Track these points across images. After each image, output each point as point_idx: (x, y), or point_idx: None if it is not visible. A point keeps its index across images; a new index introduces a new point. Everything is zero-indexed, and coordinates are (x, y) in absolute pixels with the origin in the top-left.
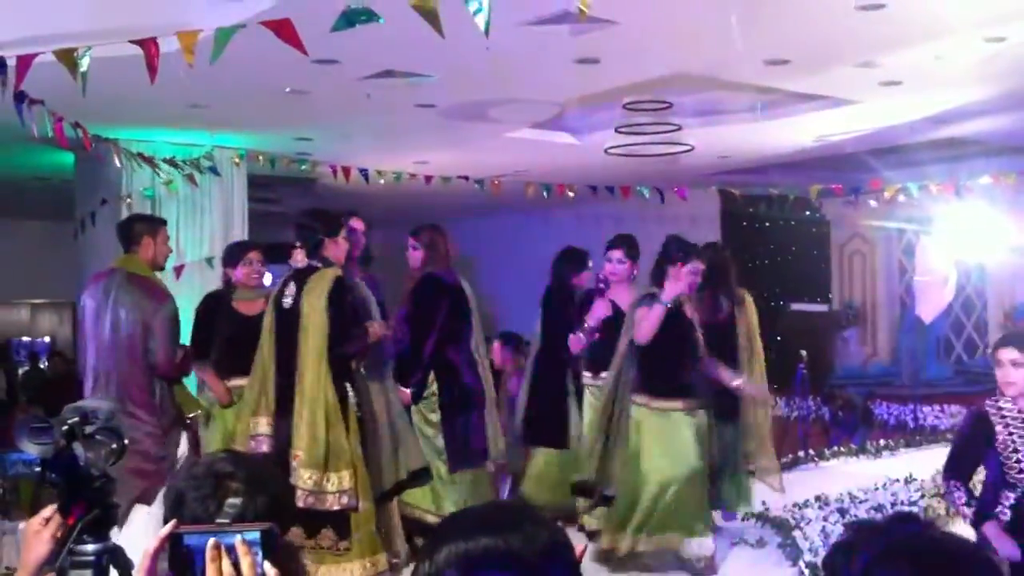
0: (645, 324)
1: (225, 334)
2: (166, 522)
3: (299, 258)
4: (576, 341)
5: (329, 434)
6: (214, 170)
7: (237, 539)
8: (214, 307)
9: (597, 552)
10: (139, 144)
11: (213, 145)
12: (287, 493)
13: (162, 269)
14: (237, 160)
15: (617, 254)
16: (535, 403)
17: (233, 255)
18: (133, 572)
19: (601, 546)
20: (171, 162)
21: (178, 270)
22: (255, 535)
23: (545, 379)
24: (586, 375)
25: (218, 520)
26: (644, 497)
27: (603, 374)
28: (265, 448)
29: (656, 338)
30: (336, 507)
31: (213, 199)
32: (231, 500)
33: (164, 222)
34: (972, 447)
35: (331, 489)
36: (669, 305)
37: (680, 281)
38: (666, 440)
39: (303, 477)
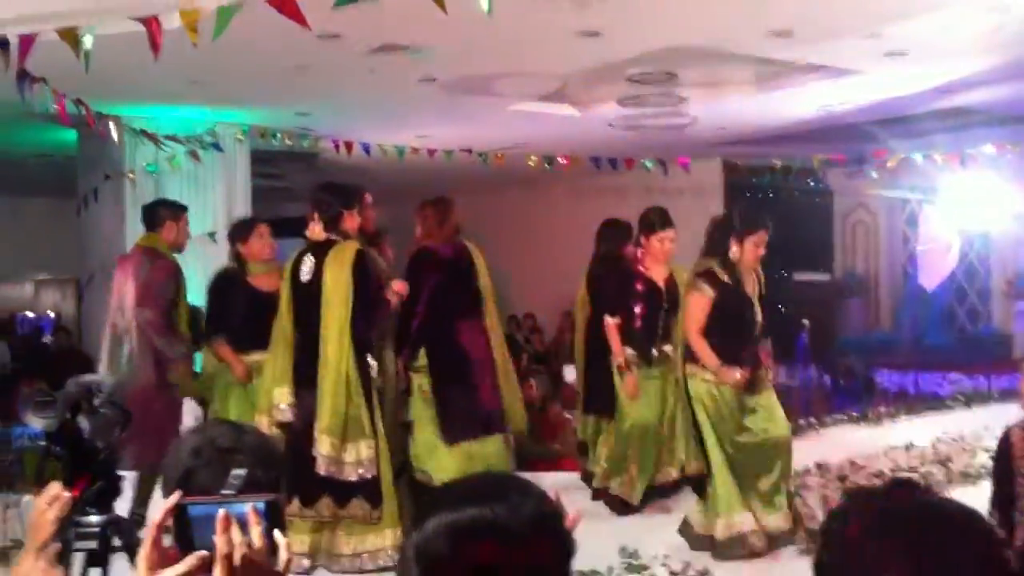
0: None
1: (241, 310)
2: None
3: (317, 231)
4: (612, 324)
5: (349, 406)
6: (217, 146)
7: (248, 508)
8: (227, 283)
9: None
10: (142, 120)
11: (216, 121)
12: (283, 464)
13: (181, 251)
14: (240, 136)
15: (672, 233)
16: (589, 373)
17: (242, 230)
18: (141, 544)
19: None
20: (174, 138)
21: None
22: (262, 505)
23: (597, 350)
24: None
25: (223, 491)
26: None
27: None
28: (288, 418)
29: (717, 316)
30: (353, 477)
31: (216, 174)
32: (236, 471)
33: (186, 208)
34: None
35: (348, 460)
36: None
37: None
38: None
39: (324, 445)
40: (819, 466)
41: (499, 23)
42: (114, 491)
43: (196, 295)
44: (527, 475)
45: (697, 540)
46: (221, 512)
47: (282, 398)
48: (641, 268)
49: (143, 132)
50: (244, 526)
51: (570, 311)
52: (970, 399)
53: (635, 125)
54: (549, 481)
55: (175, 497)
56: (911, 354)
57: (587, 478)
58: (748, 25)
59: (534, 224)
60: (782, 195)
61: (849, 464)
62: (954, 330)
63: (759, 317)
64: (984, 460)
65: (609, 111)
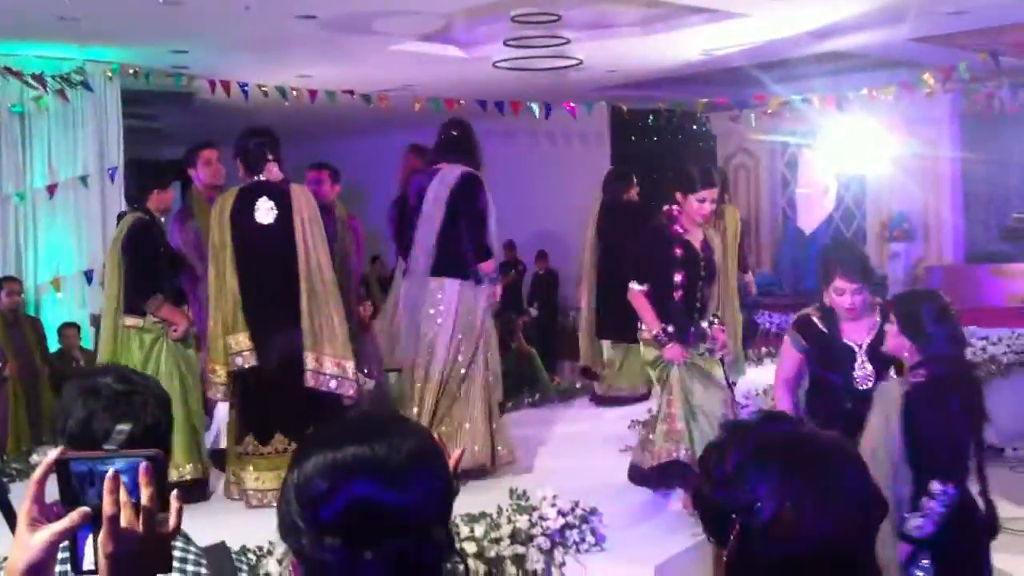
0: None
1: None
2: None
3: (275, 172)
4: (640, 293)
5: (351, 340)
6: (86, 85)
7: (141, 466)
8: (149, 236)
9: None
10: (5, 58)
11: (84, 59)
12: (170, 412)
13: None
14: (110, 74)
15: (714, 193)
16: (605, 302)
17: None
18: (19, 502)
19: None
20: (39, 78)
21: (51, 189)
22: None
23: (611, 282)
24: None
25: (105, 446)
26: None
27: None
28: (251, 363)
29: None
30: (351, 392)
31: (86, 115)
32: (120, 426)
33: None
34: None
35: (350, 376)
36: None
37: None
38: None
39: (348, 369)
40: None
41: None
42: None
43: (67, 240)
44: None
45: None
46: (110, 472)
47: (241, 344)
48: (679, 230)
49: (7, 70)
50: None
51: None
52: None
53: (520, 67)
54: None
55: (56, 452)
56: (791, 296)
57: (596, 399)
58: None
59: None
60: (666, 139)
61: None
62: None
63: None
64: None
65: (494, 52)
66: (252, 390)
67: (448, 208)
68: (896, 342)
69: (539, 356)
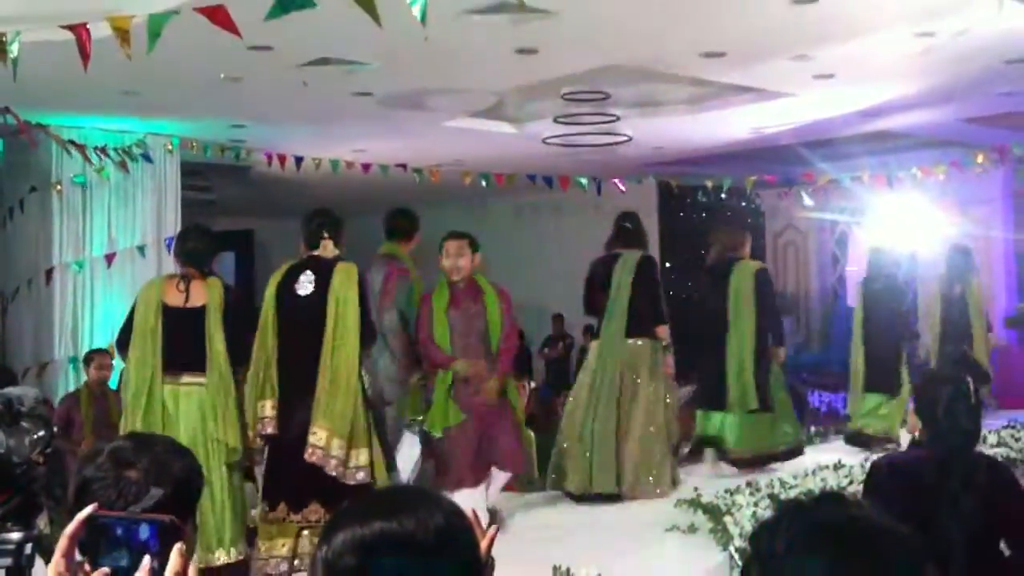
0: None
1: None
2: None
3: (329, 248)
4: None
5: (355, 415)
6: (147, 157)
7: (177, 548)
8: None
9: None
10: (70, 130)
11: (145, 132)
12: (192, 476)
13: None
14: (170, 147)
15: None
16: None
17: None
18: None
19: None
20: (103, 151)
21: (109, 258)
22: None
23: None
24: None
25: (131, 509)
26: None
27: None
28: (271, 430)
29: None
30: (352, 482)
31: (145, 186)
32: (154, 490)
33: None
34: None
35: (352, 465)
36: None
37: None
38: None
39: (334, 447)
40: (749, 484)
41: (435, 38)
42: (34, 507)
43: (123, 309)
44: None
45: None
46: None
47: (266, 411)
48: None
49: (72, 143)
50: (148, 546)
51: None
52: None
53: (570, 143)
54: None
55: (90, 508)
56: (841, 374)
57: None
58: (681, 46)
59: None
60: (715, 215)
61: (779, 483)
62: None
63: None
64: None
65: (544, 128)
66: (271, 457)
67: (633, 284)
68: (912, 420)
69: None
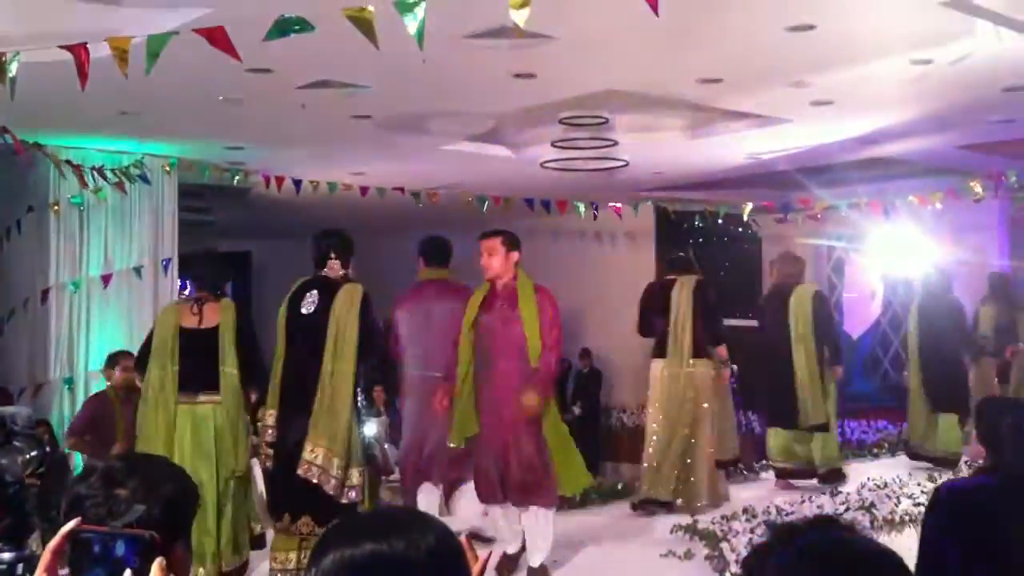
0: None
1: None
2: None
3: (335, 268)
4: None
5: (350, 433)
6: (144, 178)
7: (157, 563)
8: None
9: None
10: (68, 151)
11: (143, 153)
12: (185, 496)
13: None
14: (168, 168)
15: None
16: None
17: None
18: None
19: None
20: (100, 171)
21: (106, 279)
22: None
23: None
24: None
25: (113, 524)
26: None
27: None
28: (269, 438)
29: None
30: (345, 500)
31: (143, 208)
32: (137, 505)
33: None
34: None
35: (347, 484)
36: None
37: None
38: None
39: (333, 464)
40: (746, 511)
41: (434, 62)
42: (26, 527)
43: (119, 330)
44: None
45: None
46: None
47: (268, 419)
48: None
49: (69, 163)
50: (126, 562)
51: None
52: (895, 446)
53: (567, 167)
54: None
55: (73, 523)
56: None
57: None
58: (678, 72)
59: (468, 262)
60: (712, 241)
61: (776, 509)
62: (878, 377)
63: None
64: (908, 507)
65: (542, 153)
66: (273, 467)
67: (694, 308)
68: (976, 449)
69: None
